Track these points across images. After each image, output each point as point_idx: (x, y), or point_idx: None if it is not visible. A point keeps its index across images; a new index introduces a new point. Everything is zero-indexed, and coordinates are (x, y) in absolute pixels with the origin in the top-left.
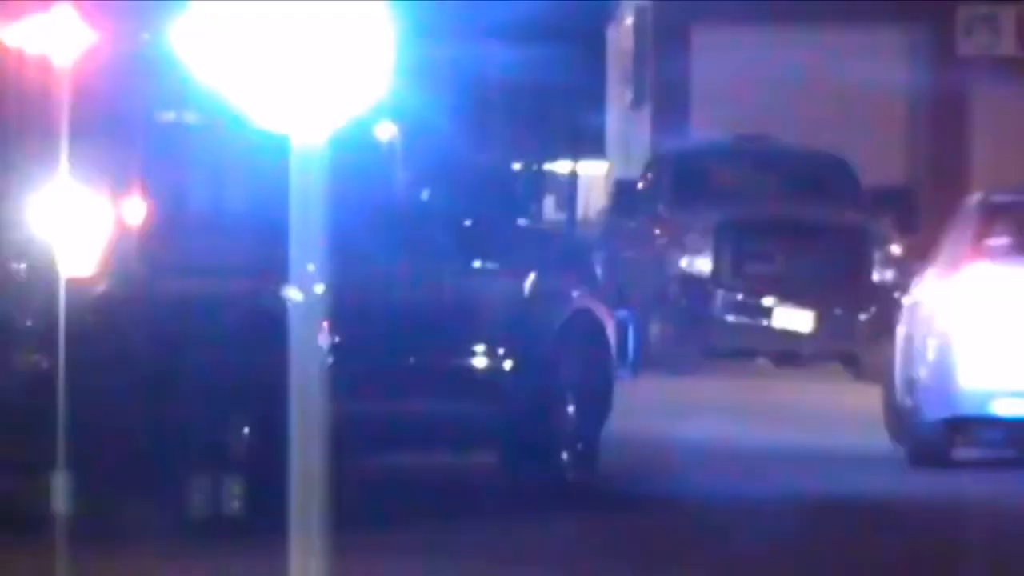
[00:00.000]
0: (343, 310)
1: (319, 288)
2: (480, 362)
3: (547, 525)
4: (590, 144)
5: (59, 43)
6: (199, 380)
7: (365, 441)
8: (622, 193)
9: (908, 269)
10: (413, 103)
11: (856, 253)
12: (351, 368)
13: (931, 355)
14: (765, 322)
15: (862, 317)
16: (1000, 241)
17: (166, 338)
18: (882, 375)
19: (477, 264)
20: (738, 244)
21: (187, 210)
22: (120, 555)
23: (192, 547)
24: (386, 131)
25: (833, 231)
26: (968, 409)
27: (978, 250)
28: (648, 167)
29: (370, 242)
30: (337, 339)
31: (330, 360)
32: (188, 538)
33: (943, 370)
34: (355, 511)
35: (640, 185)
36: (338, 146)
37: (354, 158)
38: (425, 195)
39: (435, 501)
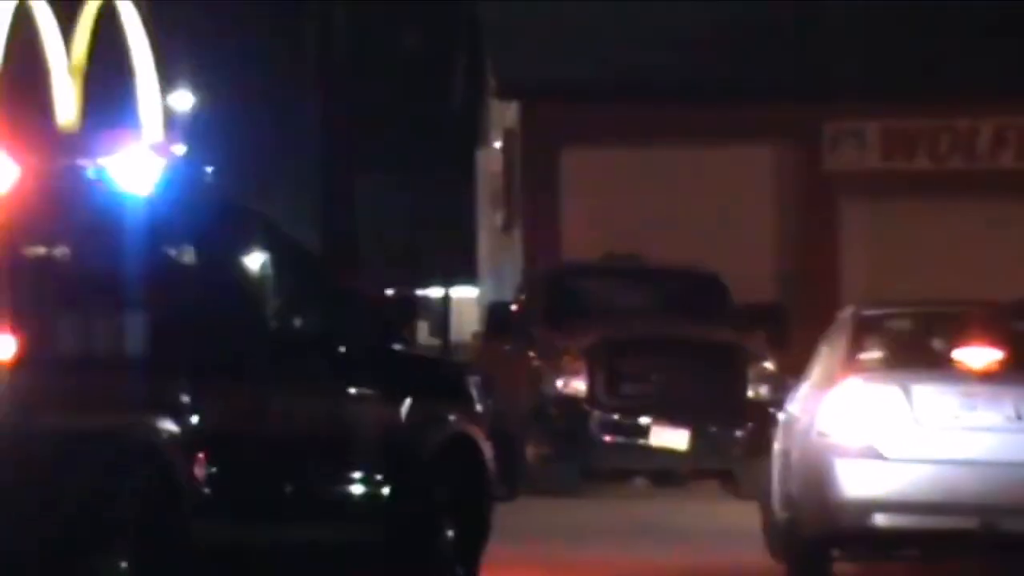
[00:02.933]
0: (220, 440)
1: (194, 418)
2: (358, 488)
3: None
4: (462, 267)
5: None
6: (78, 515)
7: (244, 569)
8: (496, 315)
9: (782, 385)
10: (283, 234)
11: (730, 370)
12: (230, 497)
13: (808, 470)
14: (641, 441)
15: (738, 434)
16: (872, 355)
17: (34, 476)
18: (759, 491)
19: (353, 390)
20: (612, 364)
21: (48, 343)
22: None
23: None
24: (258, 260)
25: (706, 349)
26: (846, 523)
27: (851, 364)
28: (520, 289)
29: (246, 371)
30: (215, 469)
31: (208, 490)
32: None
33: (820, 484)
34: None
35: (513, 307)
36: (210, 272)
37: (226, 285)
38: (299, 322)
39: None
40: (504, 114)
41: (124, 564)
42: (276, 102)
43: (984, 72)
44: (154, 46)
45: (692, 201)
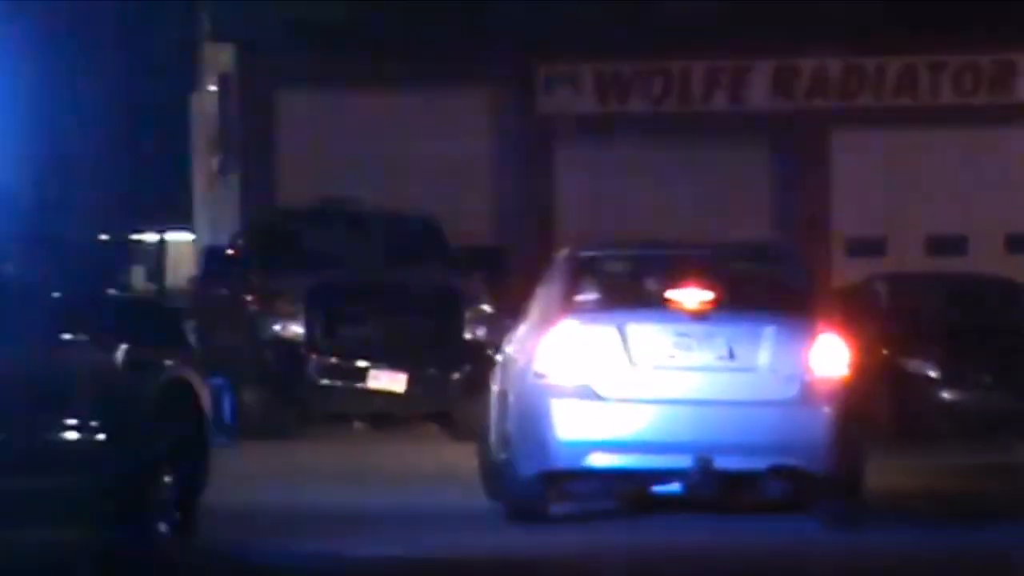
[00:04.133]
0: None
1: None
2: (72, 436)
3: None
4: (177, 212)
5: None
6: None
7: None
8: (212, 260)
9: (500, 326)
10: None
11: (447, 312)
12: None
13: (525, 411)
14: (359, 384)
15: (455, 376)
16: (588, 295)
17: None
18: (477, 433)
19: (67, 336)
20: (329, 308)
21: None
22: None
23: None
24: None
25: (423, 291)
26: (562, 463)
27: (567, 305)
28: (237, 234)
29: None
30: None
31: None
32: None
33: (537, 425)
34: None
35: (230, 252)
36: None
37: None
38: (10, 267)
39: None
40: (219, 57)
41: None
42: None
43: (695, 15)
44: None
45: (411, 145)
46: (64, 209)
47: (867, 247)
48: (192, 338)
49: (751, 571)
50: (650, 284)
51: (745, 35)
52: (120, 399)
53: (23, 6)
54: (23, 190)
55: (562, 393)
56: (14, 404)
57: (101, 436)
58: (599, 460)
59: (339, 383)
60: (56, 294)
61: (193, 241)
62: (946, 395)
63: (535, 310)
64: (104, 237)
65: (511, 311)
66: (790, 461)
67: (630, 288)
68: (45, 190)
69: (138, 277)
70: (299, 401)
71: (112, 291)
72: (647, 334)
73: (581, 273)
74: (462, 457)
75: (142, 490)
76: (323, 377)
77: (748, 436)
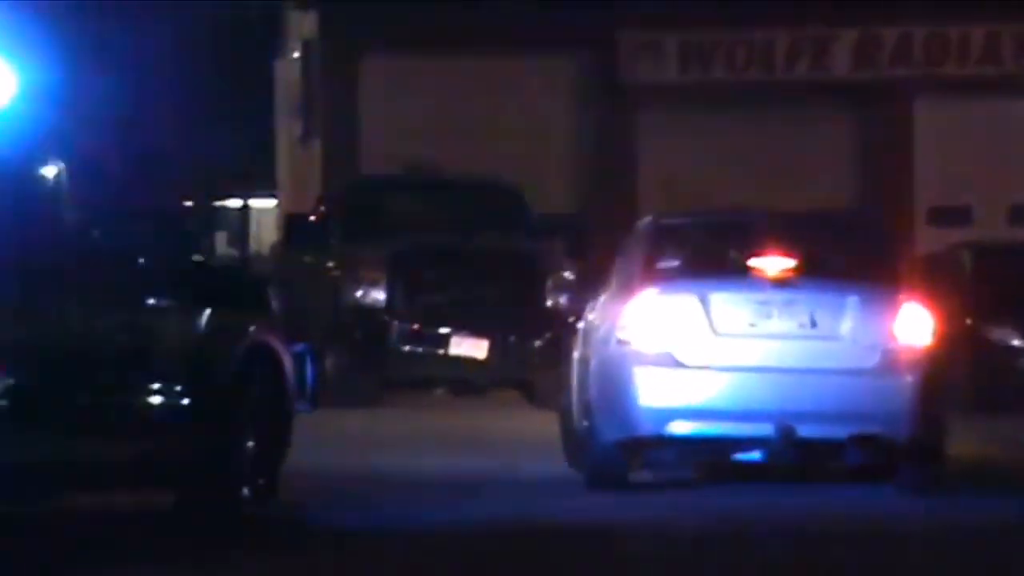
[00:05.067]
0: (15, 351)
1: None
2: (156, 399)
3: (225, 566)
4: (260, 178)
5: None
6: None
7: (41, 482)
8: (294, 227)
9: (581, 294)
10: (80, 141)
11: (528, 280)
12: (27, 410)
13: (606, 378)
14: (441, 351)
15: (536, 343)
16: (669, 264)
17: None
18: (558, 400)
19: (151, 301)
20: (411, 274)
21: None
22: None
23: None
24: (52, 170)
25: (505, 258)
26: (643, 430)
27: (649, 273)
28: (320, 200)
29: (40, 281)
30: (12, 381)
31: (5, 402)
32: None
33: (619, 392)
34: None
35: (312, 218)
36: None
37: (19, 197)
38: (96, 233)
39: (113, 541)
40: (302, 23)
41: None
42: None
43: None
44: None
45: (492, 111)
46: (149, 175)
47: (950, 216)
48: (275, 304)
49: (832, 540)
50: (732, 252)
51: (829, 3)
52: (203, 364)
53: None
54: (107, 156)
55: (644, 361)
56: (100, 369)
57: (185, 400)
58: (680, 428)
59: (421, 350)
60: (141, 260)
61: (276, 207)
62: None
63: (616, 278)
64: (188, 203)
65: (592, 278)
66: (872, 429)
67: (712, 256)
68: (129, 157)
69: (221, 243)
70: (381, 367)
71: (196, 257)
72: (729, 302)
73: (663, 241)
74: (542, 424)
75: (225, 454)
76: (405, 344)
77: (830, 404)
